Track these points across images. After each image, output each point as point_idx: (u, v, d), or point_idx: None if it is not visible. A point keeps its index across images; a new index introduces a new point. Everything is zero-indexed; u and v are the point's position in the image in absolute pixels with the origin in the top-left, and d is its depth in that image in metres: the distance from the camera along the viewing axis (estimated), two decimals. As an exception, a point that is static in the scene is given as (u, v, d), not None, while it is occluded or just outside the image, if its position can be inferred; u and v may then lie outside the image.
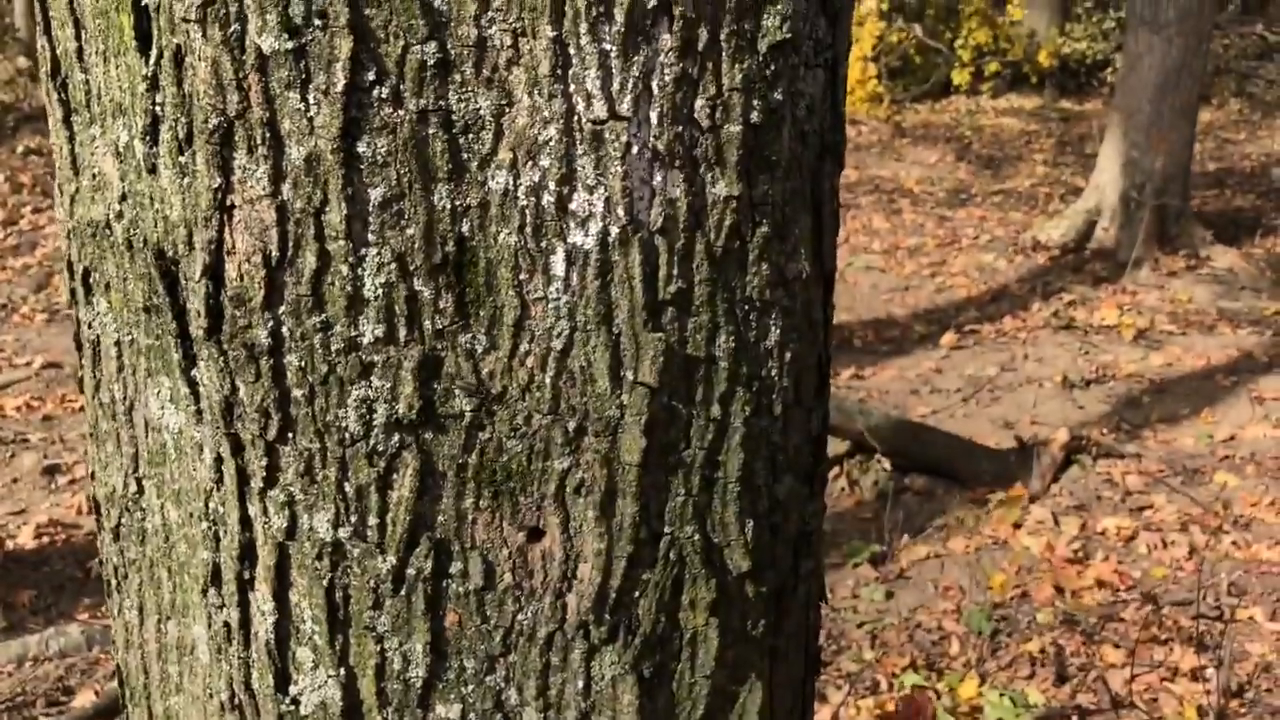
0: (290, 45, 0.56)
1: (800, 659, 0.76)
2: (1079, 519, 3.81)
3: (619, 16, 0.57)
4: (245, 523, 0.65)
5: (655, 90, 0.58)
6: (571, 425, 0.62)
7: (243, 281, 0.60)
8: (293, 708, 0.67)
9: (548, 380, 0.61)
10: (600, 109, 0.58)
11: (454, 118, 0.57)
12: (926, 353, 5.60)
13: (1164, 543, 3.68)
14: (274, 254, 0.59)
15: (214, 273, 0.61)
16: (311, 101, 0.57)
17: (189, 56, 0.58)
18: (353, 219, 0.58)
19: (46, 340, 5.79)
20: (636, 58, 0.58)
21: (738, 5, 0.59)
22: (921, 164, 9.61)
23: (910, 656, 2.95)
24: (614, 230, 0.59)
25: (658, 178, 0.59)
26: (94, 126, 0.67)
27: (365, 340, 0.60)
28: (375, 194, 0.58)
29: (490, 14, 0.56)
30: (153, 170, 0.62)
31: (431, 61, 0.56)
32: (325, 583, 0.64)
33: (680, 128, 0.59)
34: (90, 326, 0.74)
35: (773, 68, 0.61)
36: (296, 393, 0.61)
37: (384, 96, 0.57)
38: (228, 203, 0.59)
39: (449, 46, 0.56)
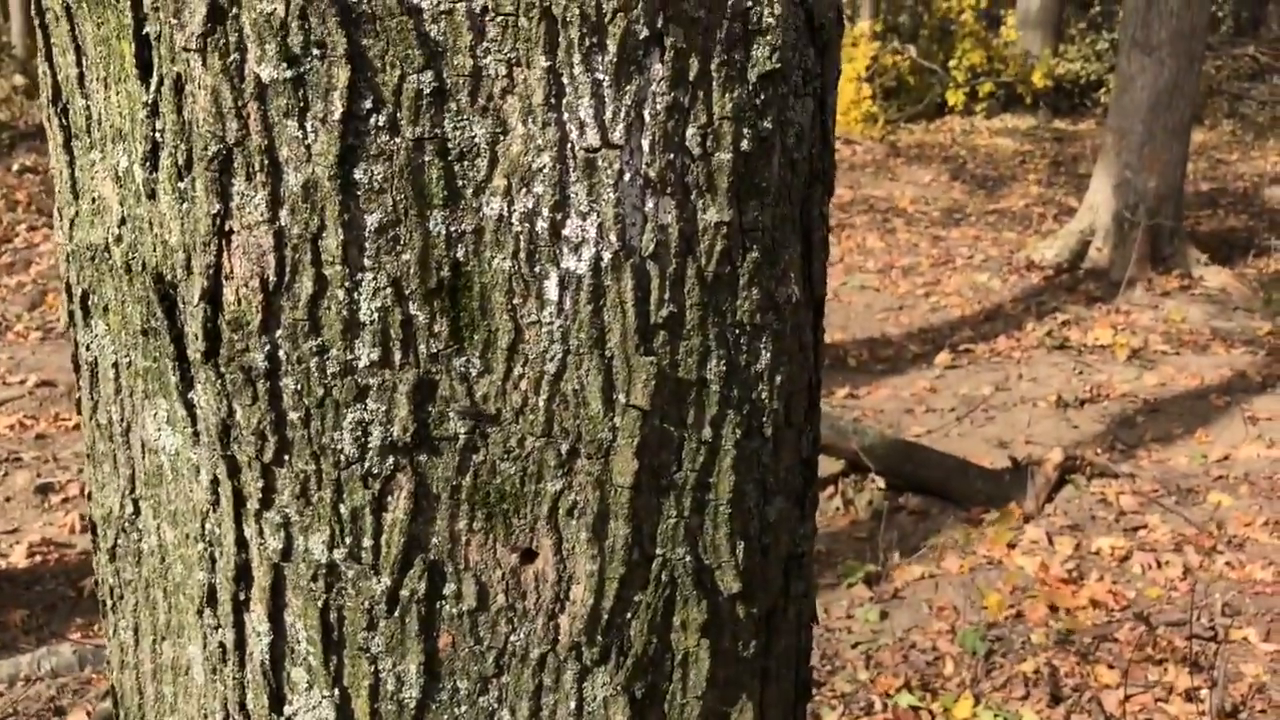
0: (289, 74, 0.57)
1: (791, 680, 0.77)
2: (1073, 539, 3.82)
3: (611, 47, 0.58)
4: (241, 544, 0.66)
5: (647, 118, 0.59)
6: (564, 447, 0.63)
7: (240, 306, 0.61)
8: (287, 728, 0.67)
9: (541, 403, 0.62)
10: (593, 137, 0.59)
11: (449, 145, 0.58)
12: (921, 372, 5.61)
13: (1158, 563, 3.68)
14: (271, 279, 0.60)
15: (212, 297, 0.61)
16: (309, 129, 0.57)
17: (189, 84, 0.59)
18: (349, 244, 0.59)
19: (40, 359, 5.78)
20: (629, 87, 0.59)
21: (728, 36, 0.60)
22: (916, 184, 9.65)
23: (905, 677, 2.95)
24: (606, 255, 0.60)
25: (649, 204, 0.60)
26: (94, 151, 0.68)
27: (361, 364, 0.61)
28: (371, 220, 0.59)
29: (485, 44, 0.57)
30: (152, 195, 0.63)
31: (428, 90, 0.57)
32: (320, 604, 0.64)
33: (672, 155, 0.60)
34: (88, 349, 0.75)
35: (762, 97, 0.62)
36: (293, 415, 0.62)
37: (381, 124, 0.57)
38: (226, 228, 0.60)
39: (445, 76, 0.57)
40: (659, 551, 0.66)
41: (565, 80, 0.58)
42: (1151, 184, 6.91)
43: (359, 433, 0.62)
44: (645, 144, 0.59)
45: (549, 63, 0.57)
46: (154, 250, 0.64)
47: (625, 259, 0.61)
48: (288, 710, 0.67)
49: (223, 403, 0.63)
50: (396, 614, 0.64)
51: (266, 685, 0.67)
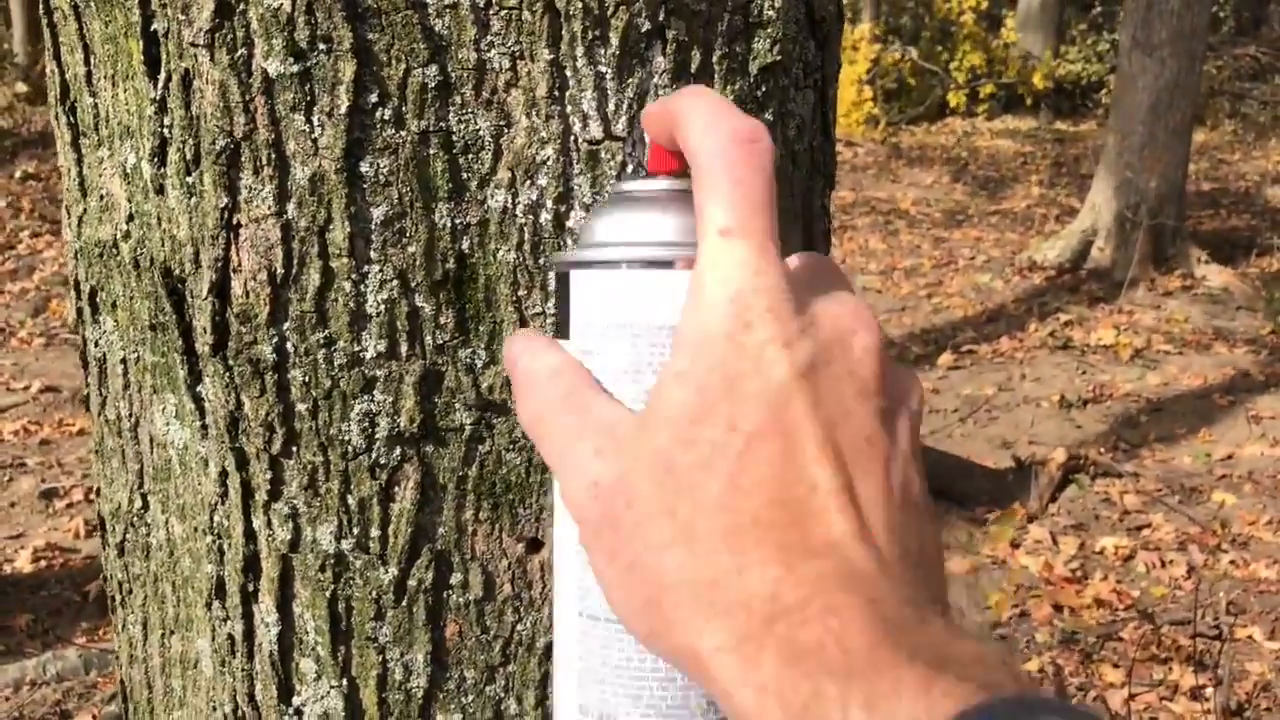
0: (295, 69, 0.58)
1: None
2: (1077, 538, 3.82)
3: (614, 40, 0.59)
4: (250, 536, 0.66)
5: (650, 111, 0.60)
6: (569, 438, 0.63)
7: (248, 298, 0.61)
8: (296, 718, 0.68)
9: (546, 394, 0.63)
10: (596, 129, 0.59)
11: (454, 138, 0.59)
12: (924, 373, 5.61)
13: (1162, 562, 3.69)
14: (279, 271, 0.60)
15: (220, 290, 0.62)
16: (316, 123, 0.58)
17: (197, 80, 0.60)
18: (356, 237, 0.60)
19: (44, 364, 5.80)
20: (631, 80, 0.59)
21: (729, 28, 0.61)
22: (918, 185, 9.66)
23: (909, 676, 2.95)
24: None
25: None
26: (102, 149, 0.69)
27: (368, 355, 0.61)
28: (378, 213, 0.59)
29: (489, 38, 0.58)
30: (160, 191, 0.64)
31: (432, 84, 0.58)
32: (328, 594, 0.65)
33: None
34: (96, 345, 0.75)
35: (763, 89, 0.63)
36: (300, 407, 0.63)
37: (386, 118, 0.58)
38: (234, 221, 0.61)
39: (449, 69, 0.58)
40: (663, 541, 0.66)
41: (569, 73, 0.59)
42: (1153, 184, 6.92)
43: (366, 424, 0.62)
44: (648, 136, 0.60)
45: (552, 56, 0.58)
46: (162, 245, 0.65)
47: (629, 250, 0.61)
48: (296, 701, 0.68)
49: (231, 395, 0.64)
50: (404, 604, 0.65)
51: (275, 676, 0.68)
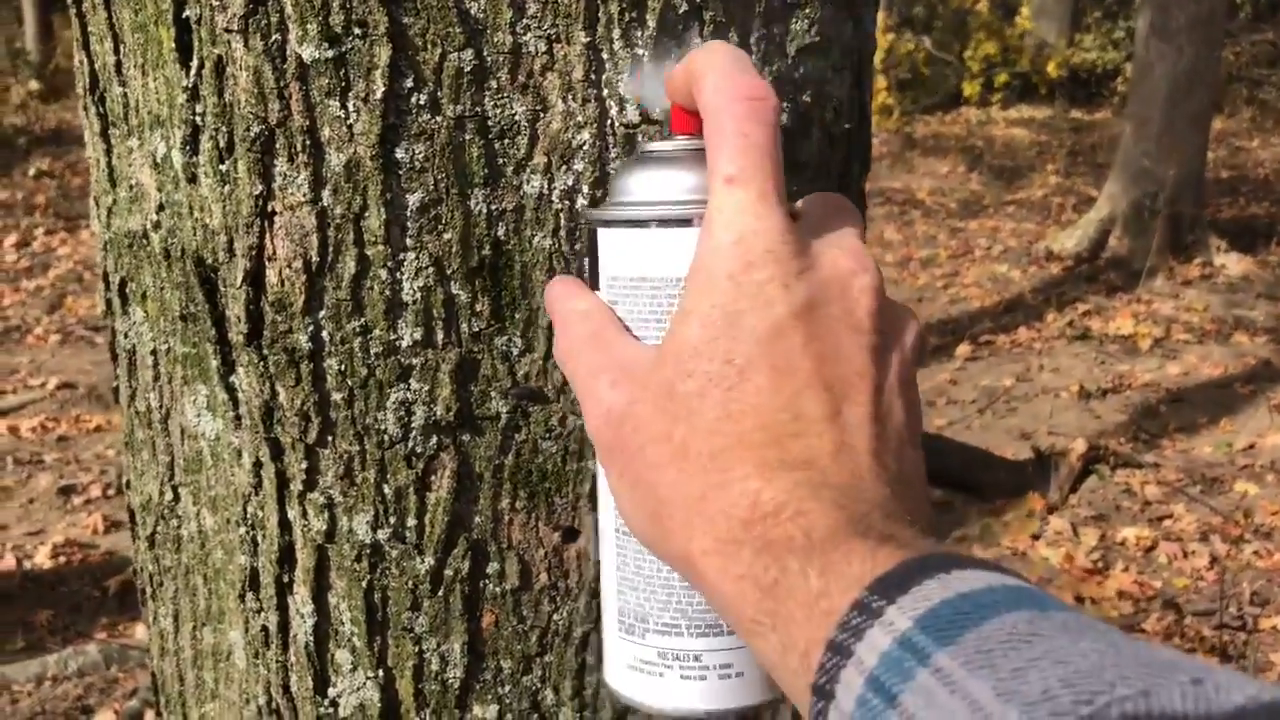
0: (330, 54, 0.57)
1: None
2: (1098, 529, 3.80)
3: (651, 21, 0.58)
4: (284, 526, 0.66)
5: (687, 94, 0.59)
6: (606, 426, 0.63)
7: (283, 287, 0.61)
8: (331, 710, 0.67)
9: (582, 382, 0.62)
10: (633, 113, 0.59)
11: (490, 123, 0.58)
12: (941, 364, 5.59)
13: (1184, 552, 3.66)
14: (314, 259, 0.60)
15: (254, 279, 0.61)
16: (351, 109, 0.58)
17: (230, 66, 0.59)
18: (391, 224, 0.59)
19: (60, 361, 5.82)
20: (667, 62, 0.58)
21: (767, 9, 0.60)
22: (933, 175, 9.62)
23: (931, 667, 2.94)
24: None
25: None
26: (131, 139, 0.68)
27: (404, 344, 0.61)
28: (413, 199, 0.59)
29: (525, 21, 0.57)
30: (193, 179, 0.63)
31: (468, 68, 0.57)
32: (364, 584, 0.65)
33: (712, 131, 0.60)
34: (126, 336, 0.75)
35: (801, 71, 0.62)
36: (336, 396, 0.62)
37: (422, 103, 0.57)
38: (269, 209, 0.60)
39: (485, 53, 0.57)
40: (701, 530, 0.66)
41: (605, 55, 0.58)
42: (1171, 172, 6.86)
43: (402, 413, 0.62)
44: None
45: (589, 38, 0.57)
46: (194, 235, 0.64)
47: (666, 236, 0.60)
48: (332, 692, 0.67)
49: (266, 385, 0.63)
50: (440, 593, 0.64)
51: (311, 667, 0.67)
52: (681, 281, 0.47)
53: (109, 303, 0.77)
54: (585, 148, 0.59)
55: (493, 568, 0.64)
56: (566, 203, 0.60)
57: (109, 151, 0.71)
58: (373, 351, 0.61)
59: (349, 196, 0.59)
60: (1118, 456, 4.22)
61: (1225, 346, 5.63)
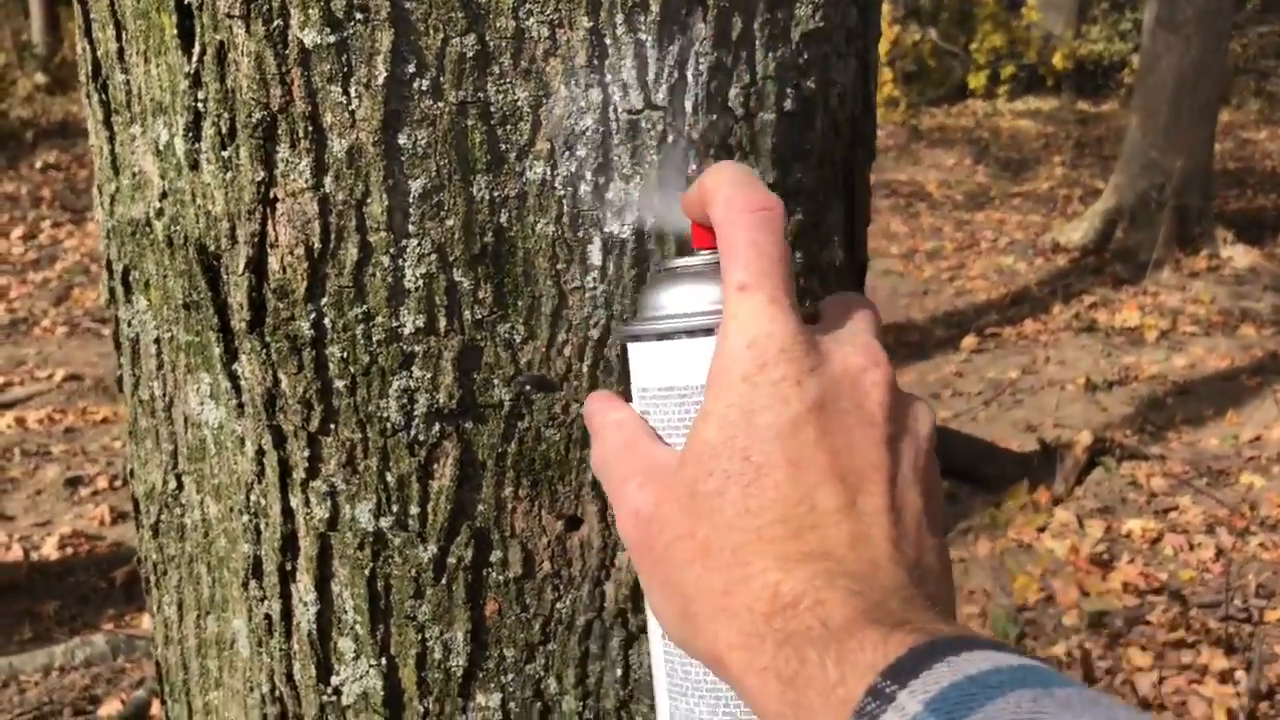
0: (332, 39, 0.57)
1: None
2: (1104, 521, 3.80)
3: (654, 6, 0.57)
4: (287, 514, 0.66)
5: (690, 79, 0.59)
6: (609, 414, 0.63)
7: (285, 274, 0.61)
8: (334, 698, 0.67)
9: (585, 369, 0.62)
10: (636, 99, 0.58)
11: (492, 109, 0.58)
12: (947, 356, 5.58)
13: (1190, 544, 3.66)
14: (316, 246, 0.60)
15: (257, 266, 0.61)
16: (353, 95, 0.57)
17: (232, 52, 0.59)
18: (394, 210, 0.59)
19: (67, 353, 5.83)
20: (671, 47, 0.58)
21: (771, -5, 0.60)
22: (939, 167, 9.59)
23: (935, 659, 2.94)
24: (650, 219, 0.60)
25: (693, 166, 0.60)
26: (134, 126, 0.68)
27: (406, 331, 0.60)
28: (416, 185, 0.58)
29: (528, 6, 0.57)
30: (195, 166, 0.63)
31: (470, 54, 0.57)
32: (367, 572, 0.64)
33: (715, 116, 0.60)
34: (129, 325, 0.75)
35: (806, 56, 0.62)
36: (339, 384, 0.62)
37: (424, 89, 0.57)
38: (271, 196, 0.60)
39: (488, 39, 0.57)
40: (704, 518, 0.66)
41: (608, 41, 0.57)
42: (1178, 164, 6.84)
43: (405, 400, 0.61)
44: (688, 105, 0.59)
45: (591, 23, 0.57)
46: (197, 222, 0.64)
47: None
48: (335, 680, 0.67)
49: (268, 372, 0.63)
50: (443, 582, 0.64)
51: (314, 655, 0.67)
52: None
53: (112, 291, 0.76)
54: (588, 134, 0.59)
55: (496, 556, 0.64)
56: (569, 189, 0.59)
57: (112, 139, 0.71)
58: (375, 339, 0.61)
59: (351, 183, 0.59)
60: (1123, 449, 4.21)
61: (1231, 339, 5.61)
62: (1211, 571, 3.42)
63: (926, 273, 6.87)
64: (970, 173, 9.25)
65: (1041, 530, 3.71)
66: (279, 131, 0.59)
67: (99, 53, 0.70)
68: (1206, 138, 6.98)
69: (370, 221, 0.59)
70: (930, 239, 7.51)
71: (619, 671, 0.66)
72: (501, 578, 0.65)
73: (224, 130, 0.60)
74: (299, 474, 0.64)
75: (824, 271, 0.67)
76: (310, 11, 0.56)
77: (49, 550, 3.81)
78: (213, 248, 0.64)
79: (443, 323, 0.61)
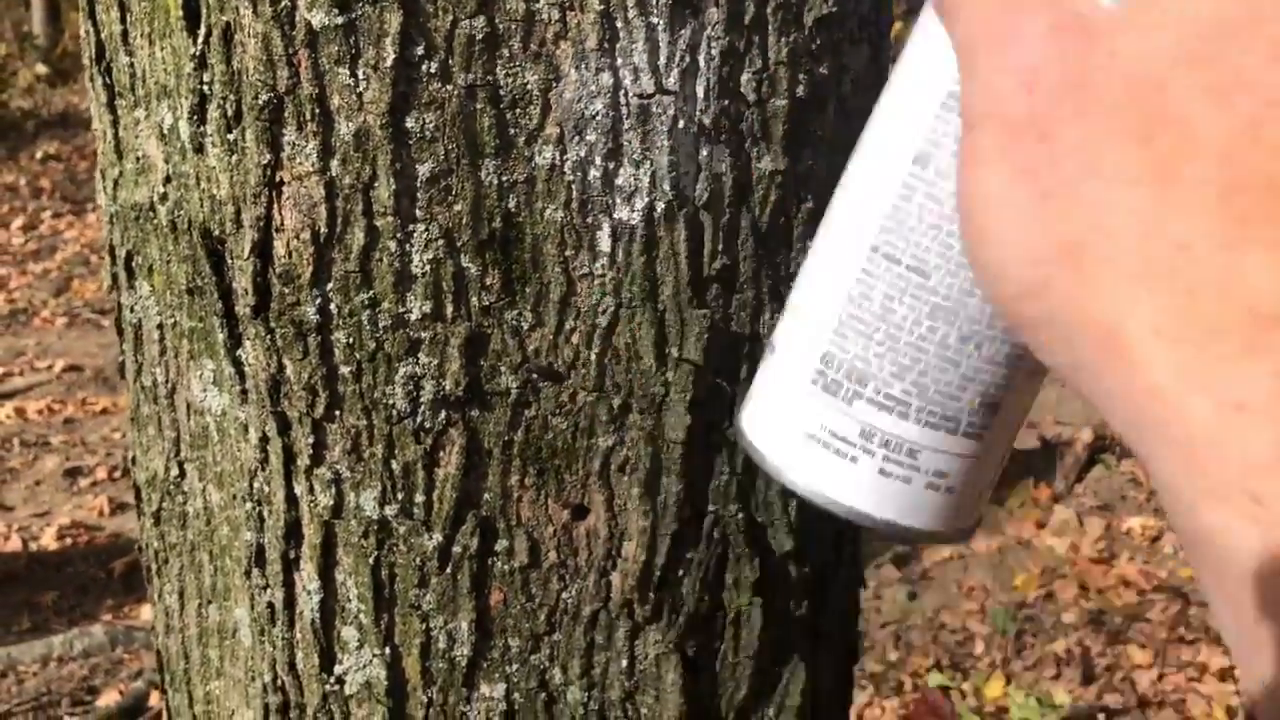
0: (340, 20, 0.56)
1: (841, 641, 0.76)
2: (1103, 518, 3.79)
3: (666, -10, 0.57)
4: (291, 502, 0.65)
5: (702, 64, 0.58)
6: (616, 402, 0.62)
7: (291, 258, 0.60)
8: (337, 687, 0.67)
9: (593, 357, 0.61)
10: (647, 83, 0.58)
11: (501, 92, 0.57)
12: (947, 353, 5.57)
13: (1190, 542, 3.64)
14: (322, 230, 0.59)
15: (262, 250, 0.61)
16: (361, 77, 0.57)
17: (238, 34, 0.58)
18: (401, 195, 0.58)
19: (67, 344, 5.82)
20: (683, 31, 0.57)
21: (784, -21, 0.59)
22: (940, 165, 9.57)
23: (935, 657, 2.94)
24: (660, 205, 0.59)
25: (704, 152, 0.59)
26: (138, 110, 0.67)
27: (413, 317, 0.60)
28: (423, 169, 0.58)
29: (538, -12, 0.56)
30: (200, 149, 0.62)
31: (480, 36, 0.56)
32: (371, 561, 0.64)
33: (726, 102, 0.59)
34: (132, 311, 0.74)
35: (818, 41, 0.61)
36: (344, 370, 0.61)
37: (432, 71, 0.57)
38: (276, 179, 0.59)
39: (497, 21, 0.56)
40: (711, 508, 0.65)
41: (619, 24, 0.57)
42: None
43: (411, 387, 0.61)
44: (700, 90, 0.58)
45: (602, 6, 0.56)
46: (201, 206, 0.64)
47: (679, 209, 0.60)
48: (338, 670, 0.67)
49: (273, 358, 0.62)
50: (448, 571, 0.63)
51: (317, 644, 0.67)
52: None
53: (115, 277, 0.76)
54: (598, 118, 0.58)
55: (501, 545, 0.64)
56: (579, 174, 0.59)
57: (115, 123, 0.70)
58: (381, 325, 0.60)
59: (358, 166, 0.58)
60: (1124, 446, 4.21)
61: (1232, 338, 5.60)
62: (1211, 570, 3.41)
63: (927, 269, 6.87)
64: (971, 170, 9.24)
65: (1041, 527, 3.71)
66: (285, 114, 0.58)
67: (103, 35, 0.70)
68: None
69: (377, 206, 0.58)
70: (931, 236, 7.51)
71: (624, 662, 0.66)
72: (507, 567, 0.64)
73: (229, 113, 0.60)
74: (303, 461, 0.64)
75: (834, 260, 0.66)
76: (318, -8, 0.56)
77: (48, 541, 3.80)
78: (217, 232, 0.63)
79: (449, 309, 0.60)
